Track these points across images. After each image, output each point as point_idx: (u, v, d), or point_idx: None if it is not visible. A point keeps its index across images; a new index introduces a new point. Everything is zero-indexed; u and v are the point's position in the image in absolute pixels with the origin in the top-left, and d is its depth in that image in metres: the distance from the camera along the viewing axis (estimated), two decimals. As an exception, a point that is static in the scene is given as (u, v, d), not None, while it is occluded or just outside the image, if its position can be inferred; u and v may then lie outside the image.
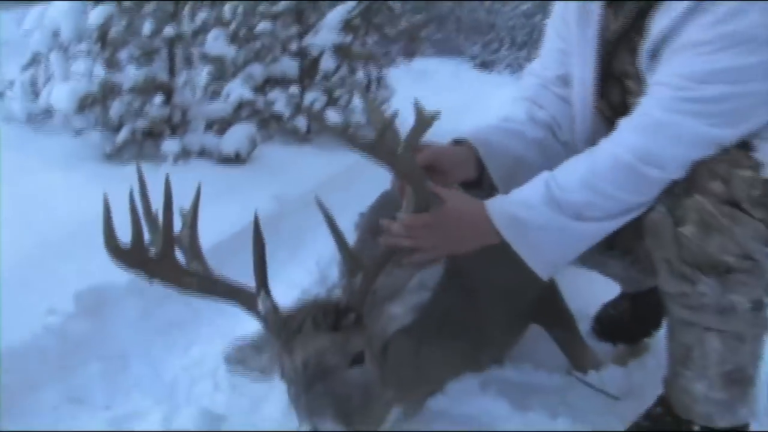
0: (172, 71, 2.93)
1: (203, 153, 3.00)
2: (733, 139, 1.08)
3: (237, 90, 3.26)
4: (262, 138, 3.22)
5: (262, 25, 3.39)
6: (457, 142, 1.33)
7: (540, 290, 1.43)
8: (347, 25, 3.42)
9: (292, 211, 2.42)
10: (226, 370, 1.15)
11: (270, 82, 3.53)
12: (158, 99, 2.97)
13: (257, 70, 3.45)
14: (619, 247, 1.41)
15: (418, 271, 1.13)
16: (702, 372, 1.17)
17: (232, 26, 3.40)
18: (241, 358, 1.14)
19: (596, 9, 1.28)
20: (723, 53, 1.06)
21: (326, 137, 3.47)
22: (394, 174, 1.11)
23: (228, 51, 3.22)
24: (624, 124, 1.14)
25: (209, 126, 3.11)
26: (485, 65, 11.46)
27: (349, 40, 3.42)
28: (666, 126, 1.09)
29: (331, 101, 3.62)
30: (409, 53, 3.95)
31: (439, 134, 1.20)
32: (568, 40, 1.36)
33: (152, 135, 2.93)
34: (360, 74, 3.66)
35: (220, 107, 3.19)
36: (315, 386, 0.98)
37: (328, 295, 1.15)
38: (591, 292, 1.68)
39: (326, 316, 1.04)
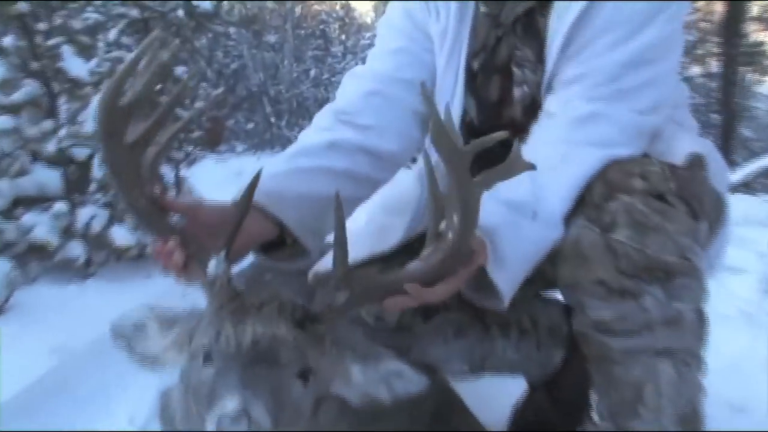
0: None
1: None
2: (658, 126, 1.16)
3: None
4: (22, 278, 2.60)
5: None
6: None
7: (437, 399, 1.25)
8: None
9: (84, 365, 2.08)
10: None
11: (22, 203, 2.86)
12: None
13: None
14: (495, 323, 1.35)
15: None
16: (656, 416, 1.10)
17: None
18: (130, 335, 1.00)
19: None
20: (650, 26, 1.12)
21: (117, 267, 2.98)
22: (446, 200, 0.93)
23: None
24: (547, 122, 1.15)
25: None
26: None
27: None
28: (600, 116, 1.12)
29: (117, 217, 3.02)
30: (212, 143, 3.52)
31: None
32: (416, 40, 1.34)
33: None
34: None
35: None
36: (258, 368, 0.87)
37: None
38: (497, 400, 1.54)
39: (294, 311, 0.93)
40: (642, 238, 1.08)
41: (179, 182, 3.46)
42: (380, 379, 0.94)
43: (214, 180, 4.87)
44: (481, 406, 1.36)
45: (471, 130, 1.32)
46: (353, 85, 1.34)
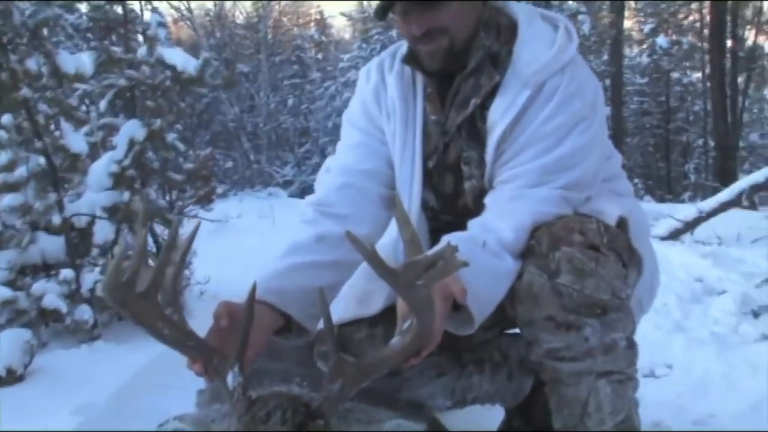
0: None
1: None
2: (580, 200, 1.53)
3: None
4: (38, 344, 2.95)
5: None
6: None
7: None
8: (118, 179, 3.29)
9: (104, 423, 2.36)
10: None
11: (28, 270, 3.26)
12: None
13: (6, 259, 3.17)
14: (471, 361, 1.70)
15: None
16: (599, 426, 1.43)
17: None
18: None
19: (419, 104, 1.64)
20: (566, 140, 1.48)
21: (120, 328, 3.29)
22: (405, 303, 1.22)
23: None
24: (492, 211, 1.50)
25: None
26: (307, 191, 11.94)
27: (125, 198, 3.27)
28: (527, 193, 1.49)
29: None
30: (205, 198, 3.90)
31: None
32: (373, 135, 1.68)
33: None
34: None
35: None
36: None
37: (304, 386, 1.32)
38: (480, 427, 1.93)
39: (294, 414, 1.17)
40: (582, 281, 1.40)
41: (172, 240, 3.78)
42: None
43: (201, 230, 5.27)
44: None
45: (433, 213, 1.69)
46: (328, 180, 1.67)
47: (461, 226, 1.51)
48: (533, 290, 1.43)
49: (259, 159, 13.75)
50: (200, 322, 1.36)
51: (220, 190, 10.70)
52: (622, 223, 1.52)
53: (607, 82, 16.70)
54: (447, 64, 1.55)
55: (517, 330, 1.59)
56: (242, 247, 5.58)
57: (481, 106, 1.56)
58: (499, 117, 1.52)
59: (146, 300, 1.17)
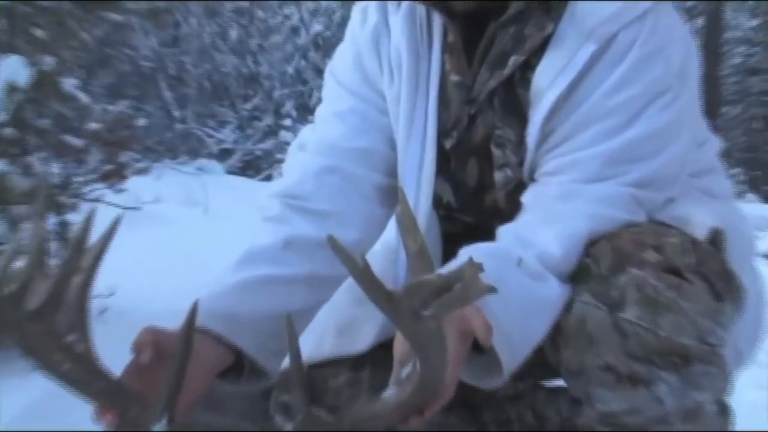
0: None
1: None
2: (658, 201, 1.56)
3: None
4: None
5: None
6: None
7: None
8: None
9: None
10: None
11: None
12: None
13: None
14: (492, 420, 1.76)
15: None
16: None
17: None
18: None
19: (436, 58, 1.66)
20: (640, 118, 1.51)
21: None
22: (406, 341, 1.23)
23: None
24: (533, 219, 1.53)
25: None
26: (253, 166, 11.84)
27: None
28: (583, 190, 1.51)
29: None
30: (116, 174, 3.91)
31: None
32: (368, 99, 1.72)
33: None
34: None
35: None
36: None
37: None
38: None
39: None
40: (655, 318, 1.40)
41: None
42: None
43: (103, 220, 5.28)
44: None
45: (449, 213, 1.73)
46: (303, 161, 1.70)
47: (488, 234, 1.55)
48: (587, 328, 1.45)
49: (184, 116, 13.58)
50: (102, 353, 1.32)
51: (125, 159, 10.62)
52: (715, 236, 1.53)
53: (699, 22, 16.74)
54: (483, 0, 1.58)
55: (560, 382, 1.63)
56: (161, 246, 5.57)
57: (525, 66, 1.59)
58: (549, 82, 1.54)
59: (40, 321, 1.16)
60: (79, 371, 1.21)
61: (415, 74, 1.67)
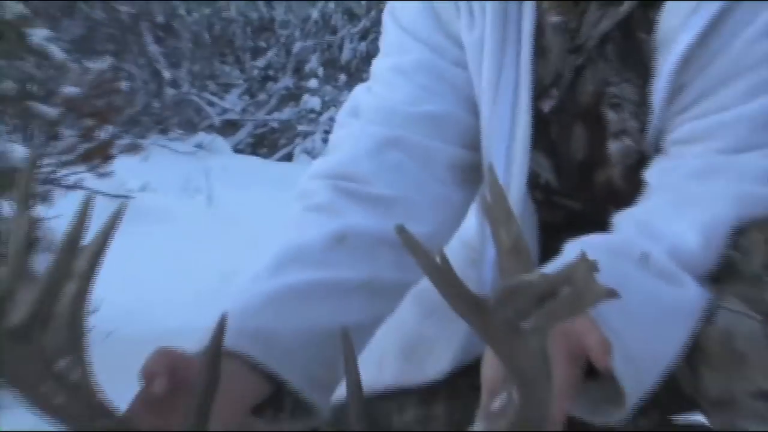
0: None
1: None
2: None
3: None
4: None
5: None
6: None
7: None
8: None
9: None
10: None
11: None
12: None
13: None
14: None
15: None
16: None
17: None
18: None
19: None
20: None
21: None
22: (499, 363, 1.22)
23: None
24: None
25: None
26: (267, 142, 11.69)
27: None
28: (725, 166, 1.52)
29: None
30: (99, 152, 3.97)
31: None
32: (443, 50, 1.71)
33: None
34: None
35: None
36: None
37: None
38: None
39: None
40: None
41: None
42: None
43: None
44: None
45: (548, 196, 1.75)
46: (355, 132, 1.71)
47: (599, 224, 1.56)
48: (735, 343, 1.45)
49: (177, 78, 13.71)
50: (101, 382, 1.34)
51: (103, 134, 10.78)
52: None
53: None
54: None
55: (698, 417, 1.63)
56: (155, 247, 5.67)
57: (647, 3, 1.60)
58: (681, 22, 1.55)
59: (24, 342, 1.17)
60: (76, 405, 1.20)
61: (503, 14, 1.67)
